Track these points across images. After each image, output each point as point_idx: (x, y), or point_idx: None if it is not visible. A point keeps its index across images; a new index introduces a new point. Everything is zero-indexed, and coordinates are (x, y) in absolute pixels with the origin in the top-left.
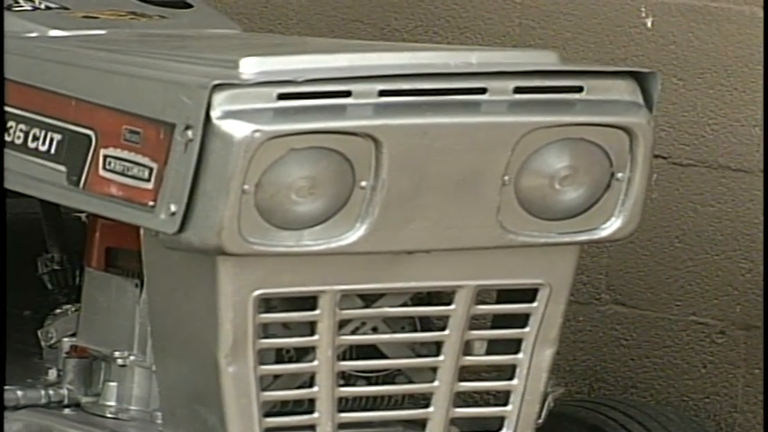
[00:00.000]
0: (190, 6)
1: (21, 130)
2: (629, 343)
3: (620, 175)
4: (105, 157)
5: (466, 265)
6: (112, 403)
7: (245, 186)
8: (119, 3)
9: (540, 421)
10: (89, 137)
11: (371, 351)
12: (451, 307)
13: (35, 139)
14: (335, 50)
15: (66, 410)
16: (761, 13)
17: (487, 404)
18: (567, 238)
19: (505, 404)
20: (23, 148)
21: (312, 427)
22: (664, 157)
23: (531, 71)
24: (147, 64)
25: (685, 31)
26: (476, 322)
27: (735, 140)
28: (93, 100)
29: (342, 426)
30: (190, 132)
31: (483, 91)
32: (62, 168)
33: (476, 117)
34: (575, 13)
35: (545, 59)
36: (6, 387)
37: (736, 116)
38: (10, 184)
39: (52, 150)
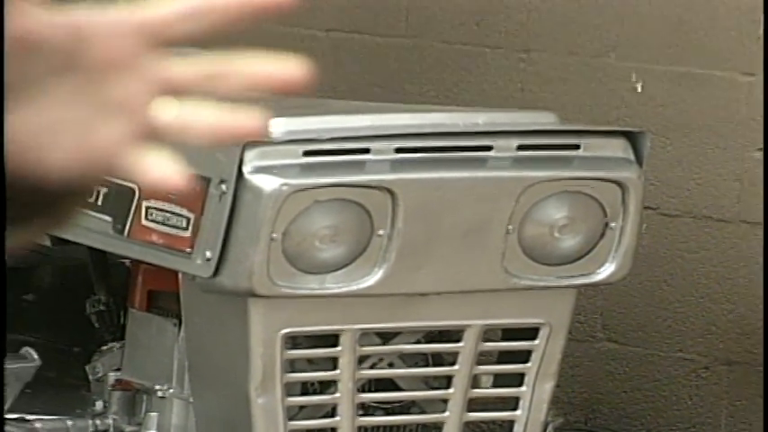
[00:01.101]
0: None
1: None
2: (621, 377)
3: (613, 224)
4: (147, 208)
5: (474, 306)
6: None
7: (274, 234)
8: None
9: None
10: (132, 189)
11: (388, 384)
12: (461, 344)
13: None
14: (355, 111)
15: None
16: (740, 78)
17: None
18: (565, 282)
19: None
20: None
21: None
22: (653, 208)
23: (533, 130)
24: None
25: (672, 94)
26: (483, 358)
27: (717, 193)
28: None
29: None
30: (224, 186)
31: (489, 148)
32: (108, 218)
33: (483, 172)
34: (571, 78)
35: (545, 119)
36: (57, 417)
37: (719, 171)
38: (65, 232)
39: (99, 202)
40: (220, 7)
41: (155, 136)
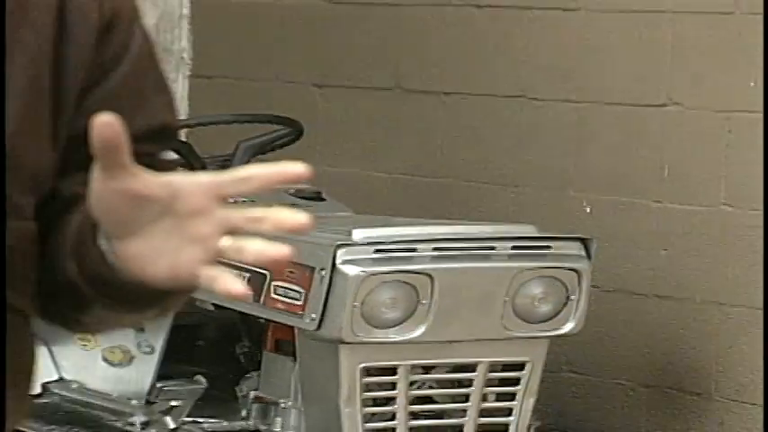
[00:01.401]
0: (323, 200)
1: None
2: (578, 395)
3: (572, 297)
4: (275, 286)
5: (484, 349)
6: (278, 430)
7: (355, 304)
8: (268, 198)
9: None
10: (265, 275)
11: (429, 400)
12: (475, 374)
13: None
14: (407, 224)
15: None
16: (652, 205)
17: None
18: (542, 334)
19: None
20: None
21: None
22: (597, 287)
23: (521, 236)
24: None
25: (609, 214)
26: (489, 382)
27: (638, 278)
28: None
29: None
30: (323, 272)
31: (493, 248)
32: (251, 293)
33: (489, 263)
34: (545, 204)
35: (529, 230)
36: (217, 420)
37: (639, 263)
38: (221, 301)
39: (244, 282)
40: (262, 176)
41: (220, 259)
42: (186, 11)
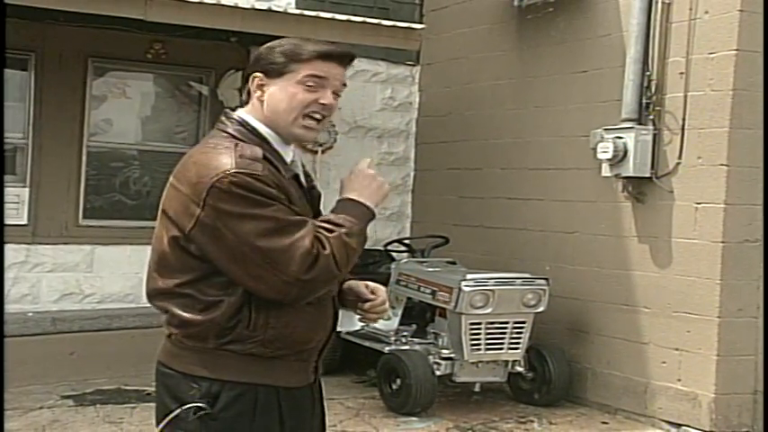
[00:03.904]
0: (455, 264)
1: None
2: (542, 332)
3: (543, 298)
4: (439, 294)
5: (511, 316)
6: (441, 343)
7: (467, 300)
8: (435, 261)
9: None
10: (435, 291)
11: (491, 335)
12: (508, 325)
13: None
14: (485, 272)
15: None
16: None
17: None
18: (531, 311)
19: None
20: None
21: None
22: (551, 294)
23: (525, 277)
24: (441, 271)
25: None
26: (513, 328)
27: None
28: (432, 279)
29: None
30: (456, 289)
31: (515, 280)
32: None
33: (513, 287)
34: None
35: (527, 274)
36: (418, 339)
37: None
38: (425, 300)
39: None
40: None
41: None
42: (409, 201)
